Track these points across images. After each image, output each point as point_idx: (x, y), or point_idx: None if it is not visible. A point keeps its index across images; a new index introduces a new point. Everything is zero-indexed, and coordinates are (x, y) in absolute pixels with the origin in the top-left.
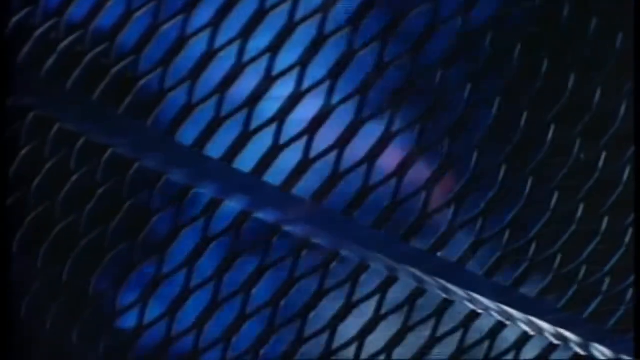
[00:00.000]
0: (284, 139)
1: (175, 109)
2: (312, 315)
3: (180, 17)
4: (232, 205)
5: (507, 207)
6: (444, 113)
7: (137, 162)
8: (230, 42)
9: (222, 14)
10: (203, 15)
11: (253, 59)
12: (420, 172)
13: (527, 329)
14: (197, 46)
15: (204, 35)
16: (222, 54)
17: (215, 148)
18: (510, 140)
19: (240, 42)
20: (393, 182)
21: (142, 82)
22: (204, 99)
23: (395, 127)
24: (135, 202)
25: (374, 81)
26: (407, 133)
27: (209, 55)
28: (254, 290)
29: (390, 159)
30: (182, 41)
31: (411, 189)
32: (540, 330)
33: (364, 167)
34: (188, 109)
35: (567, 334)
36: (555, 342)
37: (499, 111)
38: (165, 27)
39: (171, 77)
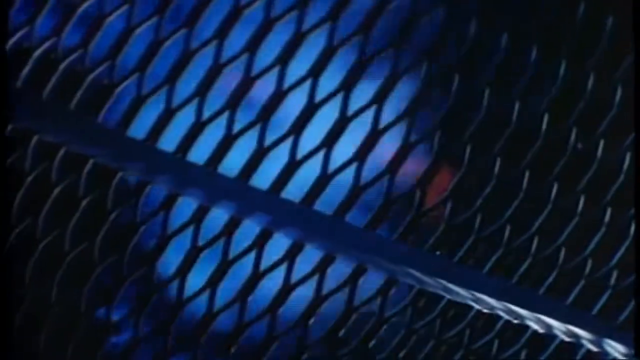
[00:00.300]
0: (269, 141)
1: (154, 115)
2: (311, 321)
3: (153, 20)
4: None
5: (506, 202)
6: (433, 107)
7: (119, 171)
8: (206, 42)
9: (196, 14)
10: (177, 17)
11: (232, 59)
12: (413, 169)
13: (535, 327)
14: (172, 49)
15: (179, 38)
16: (199, 55)
17: (198, 153)
18: (503, 133)
19: (216, 42)
20: (385, 181)
21: (119, 89)
22: (183, 104)
23: (383, 123)
24: (121, 212)
25: (357, 78)
26: (397, 129)
27: (186, 58)
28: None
29: (380, 156)
30: (157, 45)
31: (404, 186)
32: (549, 328)
33: (353, 167)
34: (167, 114)
35: (578, 330)
36: (566, 339)
37: (489, 103)
38: (139, 30)
39: (148, 83)
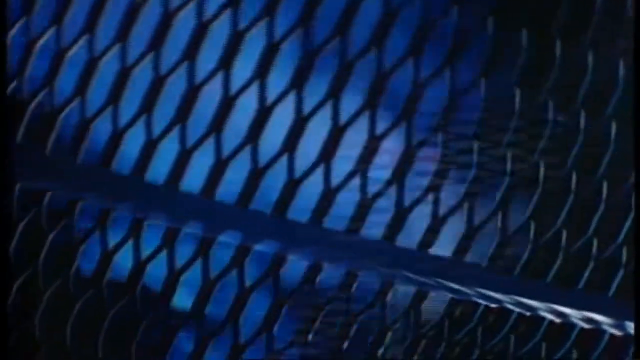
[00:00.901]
0: (226, 151)
1: (103, 139)
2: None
3: (84, 38)
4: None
5: (493, 188)
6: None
7: (79, 201)
8: (143, 56)
9: (127, 28)
10: (107, 33)
11: (171, 71)
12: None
13: (550, 317)
14: (109, 67)
15: (114, 54)
16: (137, 69)
17: (155, 173)
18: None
19: (153, 54)
20: (357, 180)
21: (62, 115)
22: (130, 123)
23: (343, 118)
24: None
25: (307, 73)
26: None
27: (124, 73)
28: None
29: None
30: (92, 63)
31: (379, 183)
32: (565, 317)
33: (320, 170)
34: (117, 136)
35: (596, 316)
36: (586, 326)
37: (453, 82)
38: (71, 52)
39: (90, 105)
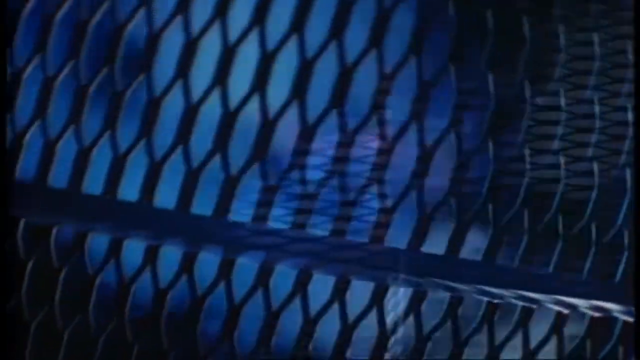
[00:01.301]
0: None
1: (68, 160)
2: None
3: (37, 57)
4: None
5: (479, 178)
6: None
7: (54, 227)
8: (95, 74)
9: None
10: (60, 52)
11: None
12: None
13: (558, 308)
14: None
15: (69, 72)
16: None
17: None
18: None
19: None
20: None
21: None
22: (94, 142)
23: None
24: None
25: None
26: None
27: (82, 91)
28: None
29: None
30: (48, 82)
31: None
32: (573, 307)
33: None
34: (82, 155)
35: (606, 304)
36: (596, 314)
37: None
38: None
39: (53, 126)
